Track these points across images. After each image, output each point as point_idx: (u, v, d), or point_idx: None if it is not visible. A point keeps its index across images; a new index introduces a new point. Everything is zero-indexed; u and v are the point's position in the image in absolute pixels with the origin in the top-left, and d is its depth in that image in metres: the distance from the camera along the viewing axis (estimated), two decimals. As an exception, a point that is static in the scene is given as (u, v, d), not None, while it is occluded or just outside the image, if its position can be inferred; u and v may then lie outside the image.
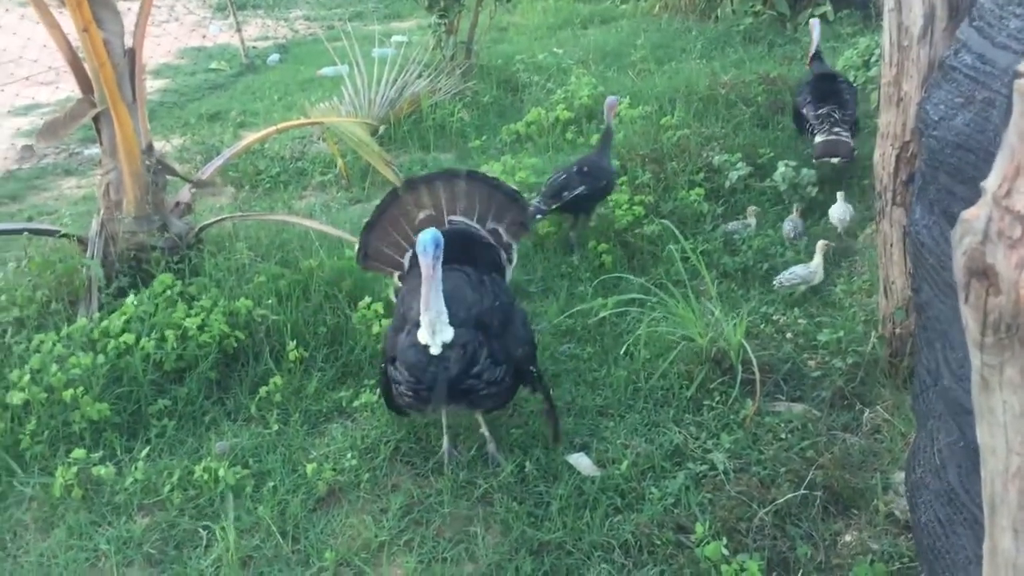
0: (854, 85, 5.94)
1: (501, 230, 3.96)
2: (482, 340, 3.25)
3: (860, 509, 3.18)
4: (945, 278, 1.99)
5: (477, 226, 3.90)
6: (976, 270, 1.03)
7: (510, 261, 3.98)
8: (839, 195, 5.15)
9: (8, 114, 8.54)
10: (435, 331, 3.14)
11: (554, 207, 5.09)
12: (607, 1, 11.84)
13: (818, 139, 5.57)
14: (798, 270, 4.57)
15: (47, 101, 8.65)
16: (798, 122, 5.99)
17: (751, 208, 5.21)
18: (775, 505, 3.16)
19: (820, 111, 5.65)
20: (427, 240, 3.08)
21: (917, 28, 3.38)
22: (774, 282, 4.61)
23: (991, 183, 1.00)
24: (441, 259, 3.14)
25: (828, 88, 5.76)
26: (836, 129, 5.54)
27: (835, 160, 5.46)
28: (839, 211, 5.10)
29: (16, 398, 3.66)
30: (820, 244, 4.62)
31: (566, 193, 5.08)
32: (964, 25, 2.53)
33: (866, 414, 3.64)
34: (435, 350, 3.15)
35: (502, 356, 3.30)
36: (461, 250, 3.60)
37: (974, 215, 1.02)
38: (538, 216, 5.06)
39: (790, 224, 5.03)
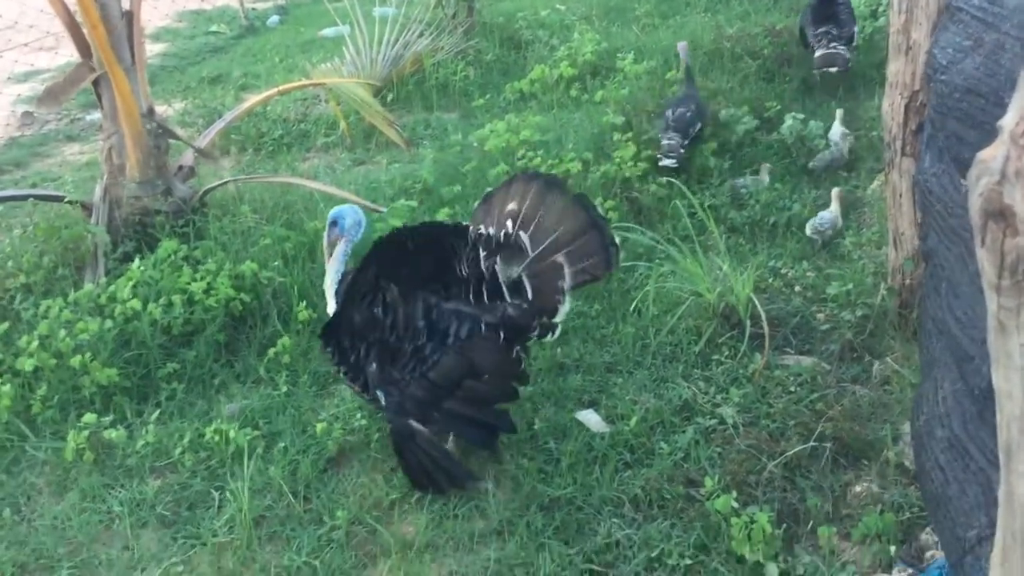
0: (851, 5, 6.46)
1: (567, 271, 3.27)
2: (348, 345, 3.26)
3: (870, 460, 3.19)
4: (952, 225, 1.97)
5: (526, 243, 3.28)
6: (993, 211, 1.01)
7: (550, 317, 3.31)
8: (837, 114, 5.42)
9: (8, 81, 8.49)
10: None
11: (685, 143, 5.22)
12: (610, -45, 11.67)
13: (817, 53, 6.16)
14: (825, 215, 4.58)
15: (47, 67, 8.59)
16: (803, 40, 6.46)
17: (764, 165, 5.16)
18: (784, 458, 3.16)
19: (819, 30, 6.22)
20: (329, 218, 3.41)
21: (926, -26, 3.32)
22: (807, 230, 4.58)
23: (1008, 121, 0.98)
24: (342, 236, 3.40)
25: (827, 10, 6.28)
26: (833, 44, 6.13)
27: (833, 69, 6.06)
28: (837, 133, 5.33)
29: (26, 364, 3.67)
30: (835, 191, 4.67)
31: (691, 129, 5.27)
32: (974, -32, 2.49)
33: (876, 366, 3.63)
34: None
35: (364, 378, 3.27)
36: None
37: (991, 155, 0.99)
38: (677, 154, 5.15)
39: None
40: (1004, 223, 1.00)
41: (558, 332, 3.37)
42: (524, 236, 3.26)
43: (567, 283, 3.25)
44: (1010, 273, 1.02)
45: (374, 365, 3.23)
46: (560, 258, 3.25)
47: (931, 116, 2.31)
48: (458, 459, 3.32)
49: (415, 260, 3.30)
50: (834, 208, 4.61)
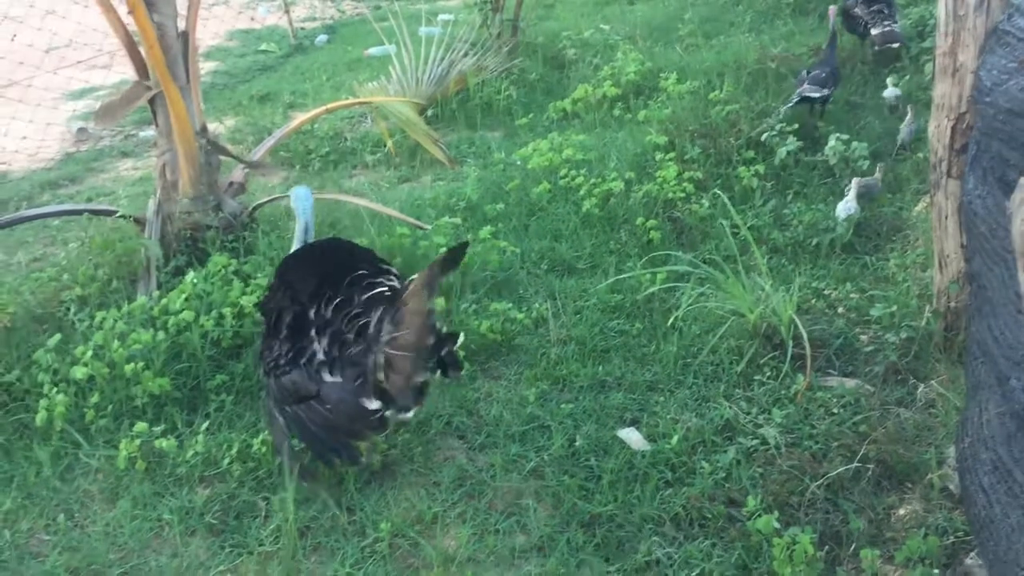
0: None
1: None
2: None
3: (914, 483, 3.17)
4: (995, 247, 1.98)
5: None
6: (1035, 235, 1.02)
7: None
8: (889, 80, 6.19)
9: (64, 97, 8.71)
10: None
11: (822, 94, 5.89)
12: (654, -25, 11.72)
13: (875, 31, 6.66)
14: (850, 202, 4.81)
15: (101, 84, 8.82)
16: (849, 23, 6.91)
17: (880, 164, 5.24)
18: (827, 479, 3.16)
19: (872, 8, 6.68)
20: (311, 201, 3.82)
21: (974, -3, 3.31)
22: (841, 219, 4.77)
23: (1051, 147, 1.00)
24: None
25: None
26: (887, 23, 6.63)
27: (895, 45, 6.63)
28: (891, 93, 6.13)
29: (80, 373, 3.77)
30: (855, 180, 4.92)
31: (826, 90, 5.90)
32: (1020, -9, 2.50)
33: (920, 389, 3.61)
34: None
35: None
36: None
37: (1033, 179, 1.01)
38: (816, 95, 5.86)
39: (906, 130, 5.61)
40: (1046, 247, 1.02)
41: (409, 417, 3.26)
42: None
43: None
44: (1052, 296, 1.04)
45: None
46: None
47: (976, 137, 2.31)
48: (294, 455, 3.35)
49: (320, 269, 3.41)
50: (852, 196, 4.84)
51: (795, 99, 5.93)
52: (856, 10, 6.80)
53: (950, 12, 3.42)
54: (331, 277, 3.35)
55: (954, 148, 3.47)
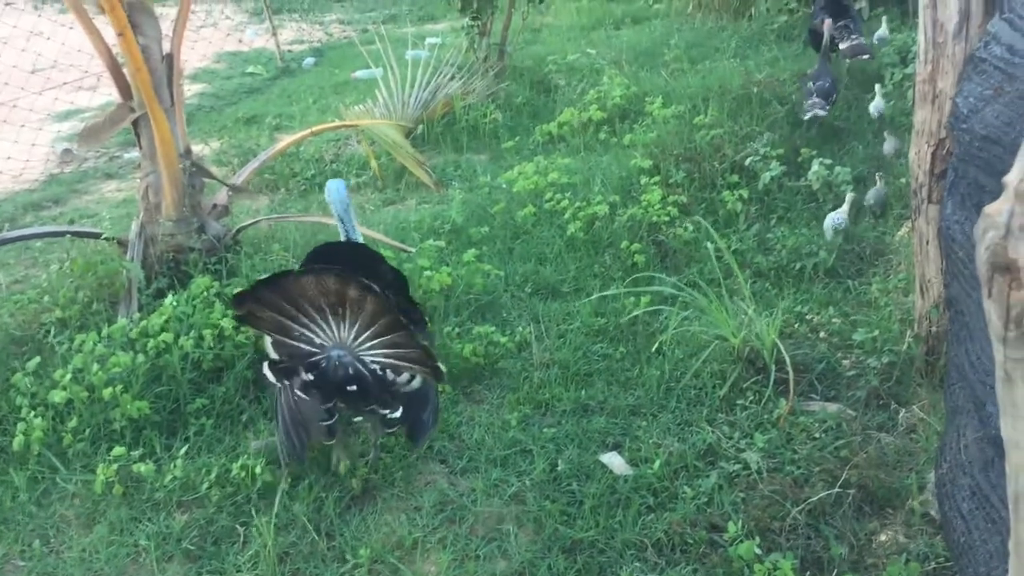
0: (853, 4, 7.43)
1: None
2: None
3: (895, 509, 3.16)
4: (972, 273, 1.98)
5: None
6: (999, 264, 1.03)
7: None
8: (877, 88, 6.34)
9: (49, 119, 8.70)
10: None
11: (827, 110, 6.21)
12: (640, 1, 11.83)
13: (843, 45, 6.92)
14: (840, 215, 4.95)
15: (87, 105, 8.80)
16: (814, 40, 7.17)
17: (879, 174, 5.35)
18: (808, 504, 3.15)
19: (839, 24, 6.93)
20: (344, 194, 3.73)
21: (952, 24, 3.35)
22: (827, 233, 4.93)
23: (1013, 177, 1.01)
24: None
25: (839, 7, 7.07)
26: (854, 36, 6.92)
27: (864, 56, 6.92)
28: (877, 104, 6.30)
29: (58, 396, 3.74)
30: (849, 195, 5.06)
31: (831, 98, 6.24)
32: (995, 18, 2.52)
33: (901, 414, 3.62)
34: None
35: None
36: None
37: (997, 210, 1.02)
38: (824, 109, 6.16)
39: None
40: (1009, 276, 1.02)
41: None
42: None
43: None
44: (1015, 325, 1.04)
45: None
46: None
47: (954, 164, 2.33)
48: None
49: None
50: (846, 207, 4.99)
51: (807, 115, 6.19)
52: (824, 27, 7.02)
53: (929, 39, 3.46)
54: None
55: (934, 174, 3.50)
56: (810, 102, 6.23)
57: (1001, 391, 1.12)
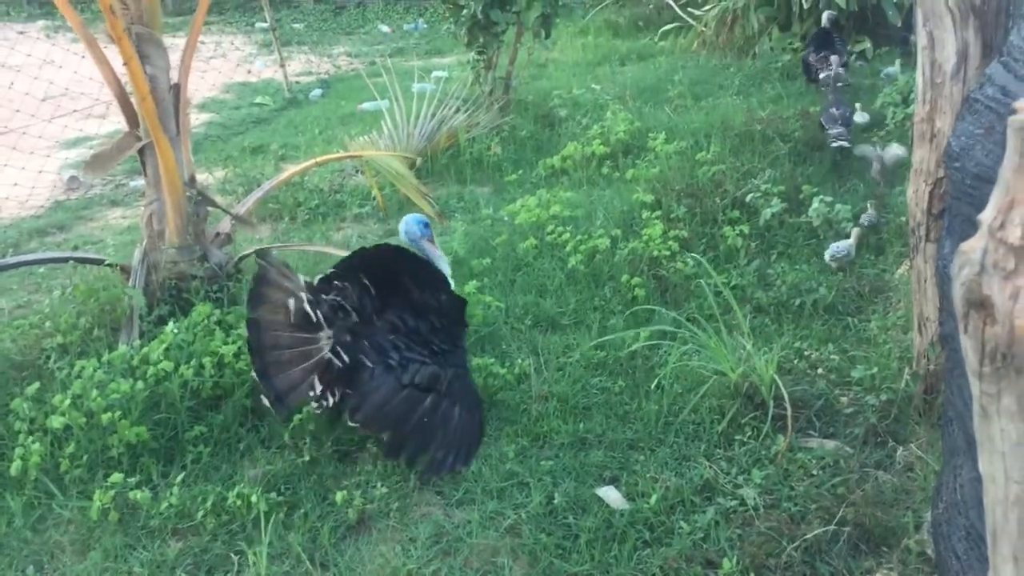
0: (844, 38, 8.10)
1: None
2: None
3: (891, 547, 3.14)
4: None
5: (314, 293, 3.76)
6: (974, 301, 1.04)
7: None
8: (857, 106, 6.93)
9: (58, 146, 8.78)
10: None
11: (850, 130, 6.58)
12: (646, 38, 11.95)
13: (822, 75, 7.41)
14: (843, 244, 5.09)
15: (96, 133, 8.88)
16: (807, 72, 8.04)
17: (872, 201, 5.50)
18: (805, 542, 3.13)
19: (820, 55, 7.66)
20: (413, 229, 4.05)
21: (950, 66, 3.39)
22: (826, 256, 5.12)
23: (987, 216, 1.02)
24: (431, 236, 4.10)
25: (825, 40, 7.81)
26: (830, 66, 7.28)
27: (839, 84, 7.09)
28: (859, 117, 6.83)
29: (56, 422, 3.74)
30: (855, 230, 5.23)
31: (851, 121, 6.64)
32: (994, 61, 2.55)
33: (899, 452, 3.61)
34: None
35: None
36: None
37: (972, 247, 1.04)
38: (847, 139, 6.45)
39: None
40: (984, 312, 1.03)
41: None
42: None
43: None
44: (990, 360, 1.05)
45: None
46: None
47: (949, 202, 2.35)
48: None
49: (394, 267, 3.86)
50: (852, 240, 5.14)
51: (834, 145, 6.46)
52: (809, 59, 7.88)
53: (928, 80, 3.49)
54: (394, 277, 3.81)
55: (932, 212, 3.52)
56: (835, 131, 6.48)
57: (978, 426, 1.13)
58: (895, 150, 6.28)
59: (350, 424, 3.67)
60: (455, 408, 3.72)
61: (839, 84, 7.00)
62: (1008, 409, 1.08)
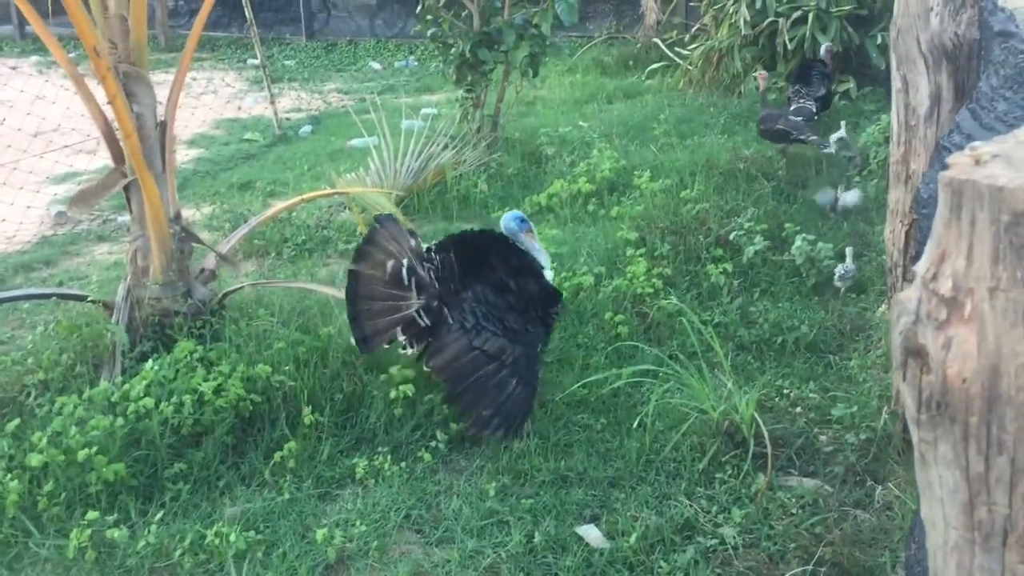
0: (826, 73, 8.09)
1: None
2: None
3: (869, 587, 3.15)
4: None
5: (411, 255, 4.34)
6: (911, 349, 1.07)
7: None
8: (842, 124, 7.22)
9: (47, 181, 8.79)
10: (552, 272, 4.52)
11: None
12: (633, 77, 12.07)
13: (792, 107, 7.74)
14: (849, 266, 5.30)
15: (85, 169, 8.90)
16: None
17: (848, 248, 5.58)
18: (783, 581, 3.14)
19: (793, 88, 8.00)
20: (511, 224, 4.41)
21: (924, 109, 3.45)
22: (836, 282, 5.33)
23: (921, 267, 1.05)
24: (530, 229, 4.46)
25: (803, 73, 8.12)
26: (802, 100, 7.75)
27: (799, 118, 7.39)
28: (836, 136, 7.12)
29: (34, 459, 3.72)
30: (848, 249, 5.42)
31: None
32: (962, 107, 2.60)
33: (878, 491, 3.62)
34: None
35: None
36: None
37: (908, 297, 1.06)
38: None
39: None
40: (921, 360, 1.06)
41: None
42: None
43: None
44: (926, 408, 1.07)
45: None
46: None
47: (918, 247, 2.39)
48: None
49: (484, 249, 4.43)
50: (849, 261, 5.33)
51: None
52: (788, 93, 8.14)
53: (902, 122, 3.55)
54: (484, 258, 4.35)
55: (908, 253, 3.56)
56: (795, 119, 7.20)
57: (918, 472, 1.15)
58: (852, 196, 6.38)
59: (425, 369, 4.20)
60: (512, 380, 4.06)
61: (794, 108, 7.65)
62: (944, 456, 1.10)
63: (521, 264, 4.39)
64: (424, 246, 4.39)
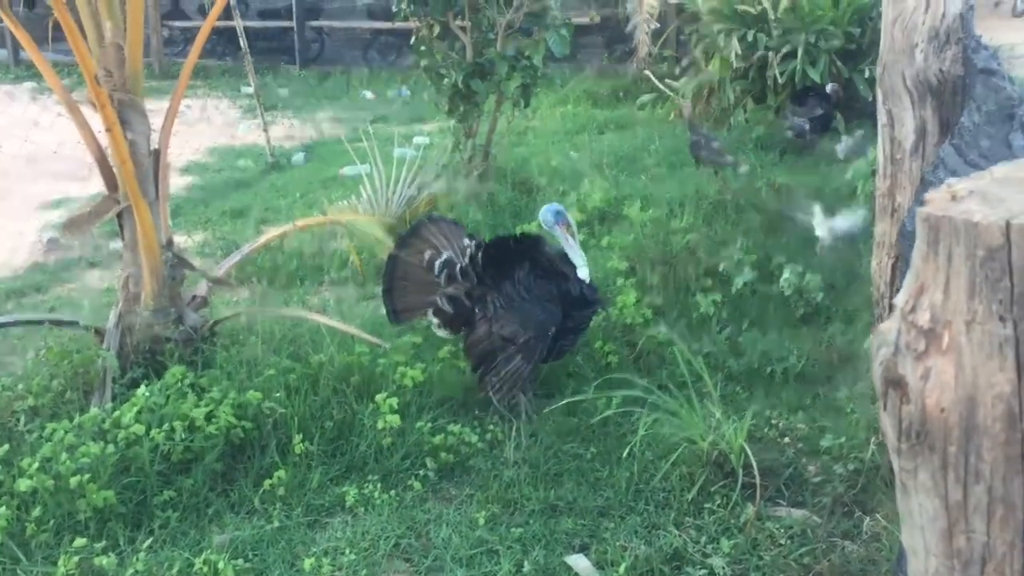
0: (825, 95, 8.60)
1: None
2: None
3: (857, 618, 3.16)
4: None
5: (455, 250, 4.90)
6: (891, 380, 1.10)
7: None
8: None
9: (40, 207, 8.81)
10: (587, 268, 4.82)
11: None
12: (624, 108, 12.16)
13: (787, 122, 8.68)
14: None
15: (78, 195, 8.92)
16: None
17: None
18: (771, 612, 3.14)
19: (790, 106, 8.77)
20: (548, 217, 4.85)
21: (909, 143, 3.50)
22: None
23: (900, 299, 1.08)
24: (567, 223, 4.85)
25: (801, 95, 8.77)
26: (794, 118, 8.55)
27: (789, 133, 8.61)
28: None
29: (23, 485, 3.72)
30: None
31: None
32: (946, 142, 2.65)
33: (866, 521, 3.63)
34: (587, 280, 4.80)
35: None
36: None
37: (888, 328, 1.09)
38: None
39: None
40: (900, 391, 1.08)
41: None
42: None
43: None
44: (906, 437, 1.10)
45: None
46: None
47: (903, 280, 2.42)
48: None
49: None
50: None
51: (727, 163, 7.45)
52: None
53: (888, 156, 3.61)
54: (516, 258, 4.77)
55: (894, 286, 3.60)
56: (726, 159, 7.51)
57: (899, 501, 1.18)
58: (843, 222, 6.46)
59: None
60: (518, 356, 4.56)
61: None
62: (924, 485, 1.13)
63: (552, 266, 4.79)
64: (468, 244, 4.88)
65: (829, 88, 8.60)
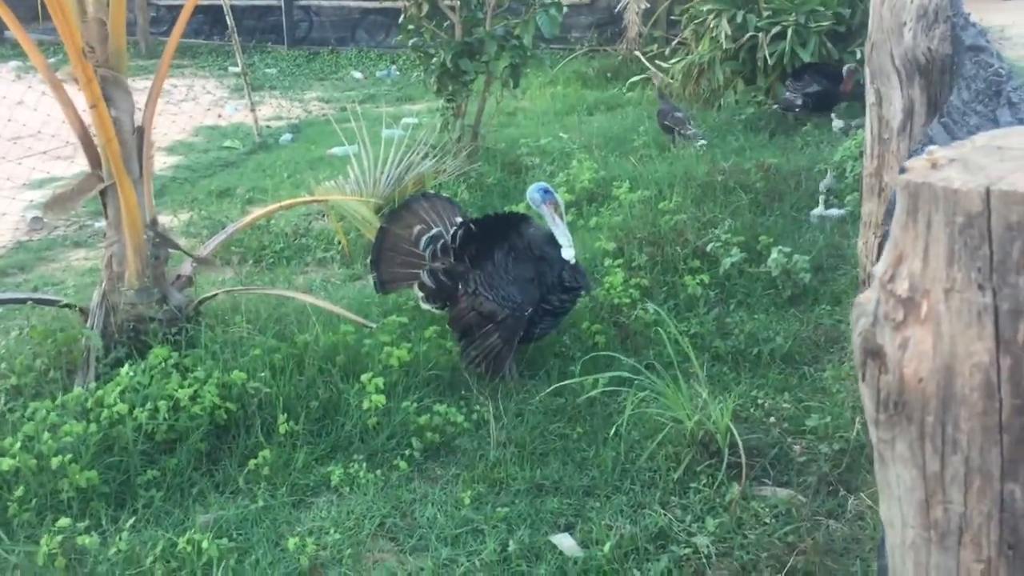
0: (825, 70, 8.89)
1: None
2: None
3: (841, 596, 3.16)
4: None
5: (445, 226, 5.01)
6: (869, 350, 1.08)
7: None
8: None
9: (24, 187, 8.75)
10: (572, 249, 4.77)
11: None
12: (614, 89, 12.13)
13: (782, 96, 9.05)
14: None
15: (62, 175, 8.86)
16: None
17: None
18: (755, 590, 3.15)
19: (787, 82, 9.12)
20: (535, 196, 4.84)
21: (897, 122, 3.49)
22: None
23: (879, 269, 1.07)
24: (555, 202, 4.84)
25: (800, 71, 9.04)
26: (789, 93, 8.94)
27: (775, 105, 9.21)
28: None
29: (5, 465, 3.69)
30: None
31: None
32: (935, 121, 2.64)
33: (851, 500, 3.64)
34: (572, 260, 4.75)
35: None
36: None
37: (867, 299, 1.08)
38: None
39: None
40: (878, 361, 1.07)
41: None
42: None
43: None
44: (884, 408, 1.09)
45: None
46: None
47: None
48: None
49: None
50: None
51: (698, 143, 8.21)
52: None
53: (876, 135, 3.60)
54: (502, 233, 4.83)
55: (880, 264, 3.59)
56: (691, 132, 8.33)
57: (877, 472, 1.17)
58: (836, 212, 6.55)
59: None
60: (496, 335, 4.62)
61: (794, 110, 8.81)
62: (902, 455, 1.12)
63: (535, 246, 4.79)
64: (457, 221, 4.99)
65: (846, 69, 8.56)
